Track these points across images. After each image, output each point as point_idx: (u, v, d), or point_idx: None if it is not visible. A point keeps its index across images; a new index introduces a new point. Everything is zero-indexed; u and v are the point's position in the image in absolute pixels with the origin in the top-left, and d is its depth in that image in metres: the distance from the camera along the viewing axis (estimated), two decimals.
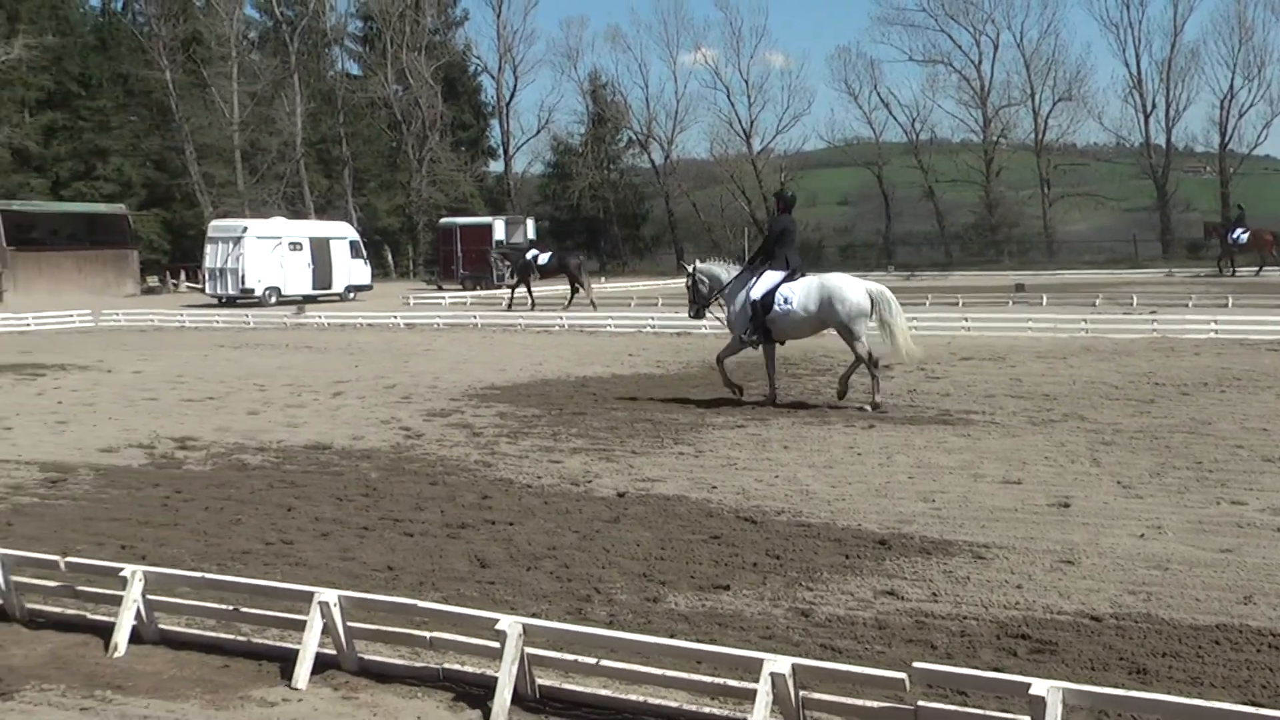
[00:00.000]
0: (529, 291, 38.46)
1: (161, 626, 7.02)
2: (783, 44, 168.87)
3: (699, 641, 6.24)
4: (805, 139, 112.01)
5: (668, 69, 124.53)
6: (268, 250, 46.38)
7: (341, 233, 50.95)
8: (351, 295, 48.50)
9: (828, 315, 15.39)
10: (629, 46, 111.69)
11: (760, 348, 16.04)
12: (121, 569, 7.05)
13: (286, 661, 6.46)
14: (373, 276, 52.52)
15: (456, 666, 6.23)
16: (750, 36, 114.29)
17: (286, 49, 68.69)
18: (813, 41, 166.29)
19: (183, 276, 59.40)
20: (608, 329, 29.83)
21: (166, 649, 6.90)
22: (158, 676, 6.49)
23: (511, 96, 79.20)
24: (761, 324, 15.69)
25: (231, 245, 45.87)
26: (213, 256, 46.45)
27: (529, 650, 5.83)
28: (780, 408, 15.42)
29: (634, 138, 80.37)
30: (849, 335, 15.34)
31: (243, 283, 45.28)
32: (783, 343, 16.28)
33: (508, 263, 44.89)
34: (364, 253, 51.46)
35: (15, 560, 7.50)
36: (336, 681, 6.27)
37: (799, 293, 15.44)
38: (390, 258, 71.32)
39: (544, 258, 40.00)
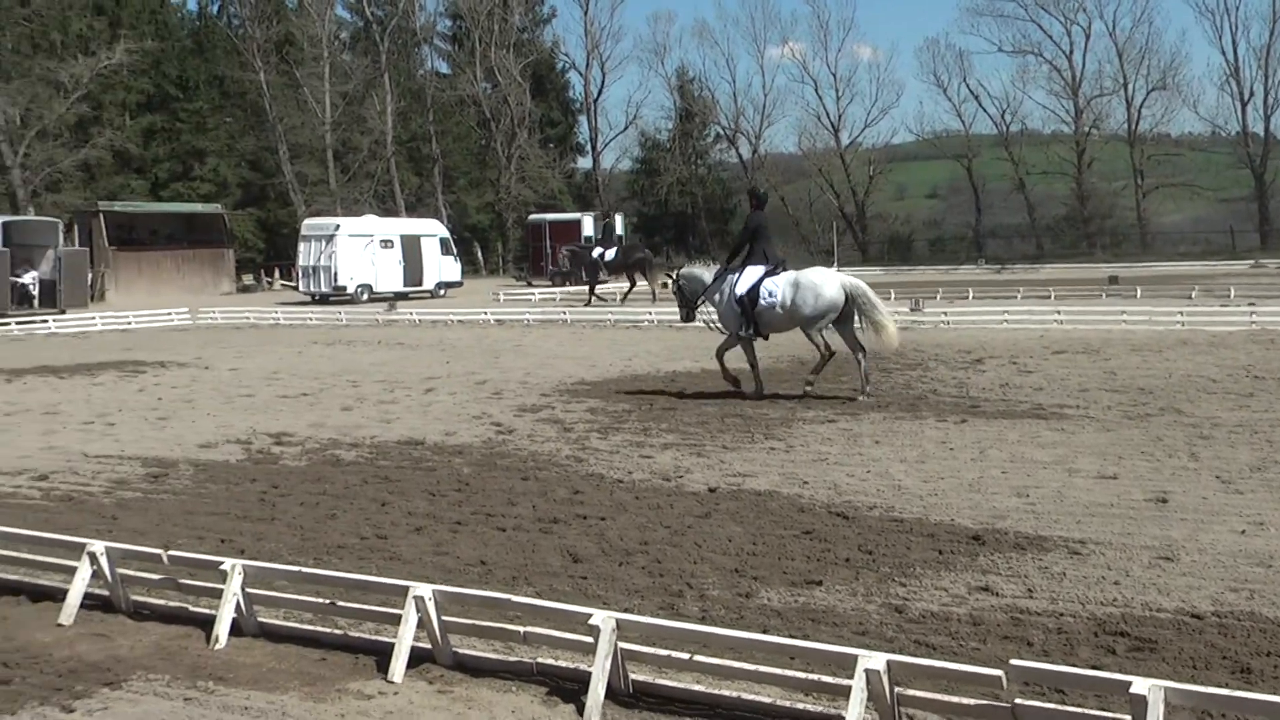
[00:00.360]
0: (591, 288, 38.78)
1: (260, 619, 7.13)
2: (871, 37, 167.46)
3: (792, 637, 6.21)
4: (894, 132, 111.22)
5: (755, 63, 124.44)
6: (360, 248, 46.89)
7: (432, 230, 51.38)
8: (442, 292, 48.90)
9: (797, 310, 15.73)
10: (716, 41, 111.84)
11: (745, 342, 16.34)
12: (222, 563, 7.17)
13: (382, 655, 6.53)
14: (463, 273, 52.91)
15: (550, 661, 6.26)
16: (838, 30, 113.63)
17: (377, 49, 69.39)
18: (901, 34, 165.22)
19: (277, 274, 60.24)
20: (696, 324, 29.75)
21: (266, 641, 7.01)
22: (258, 668, 6.60)
23: (599, 93, 79.54)
24: (751, 318, 16.03)
25: (324, 243, 46.44)
26: (306, 254, 47.04)
27: (622, 645, 5.84)
28: (856, 405, 15.32)
29: (722, 133, 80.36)
30: (809, 329, 15.83)
31: (335, 280, 45.82)
32: (766, 337, 16.54)
33: (575, 260, 45.12)
34: (454, 249, 51.85)
35: (121, 553, 7.65)
36: (431, 675, 6.33)
37: (780, 287, 15.80)
38: (480, 254, 71.81)
39: (610, 254, 40.27)
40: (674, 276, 17.78)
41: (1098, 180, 73.14)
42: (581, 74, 79.69)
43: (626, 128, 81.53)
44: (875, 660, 5.21)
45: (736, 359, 16.68)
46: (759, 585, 7.58)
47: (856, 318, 15.73)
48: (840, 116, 76.97)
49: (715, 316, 16.81)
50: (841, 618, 6.90)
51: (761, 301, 15.87)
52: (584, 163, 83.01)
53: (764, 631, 6.47)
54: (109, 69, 55.54)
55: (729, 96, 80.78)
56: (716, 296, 16.49)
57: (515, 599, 6.41)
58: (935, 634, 6.57)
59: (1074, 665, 5.83)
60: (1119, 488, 9.88)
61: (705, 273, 17.00)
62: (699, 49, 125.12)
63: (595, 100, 79.47)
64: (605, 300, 38.34)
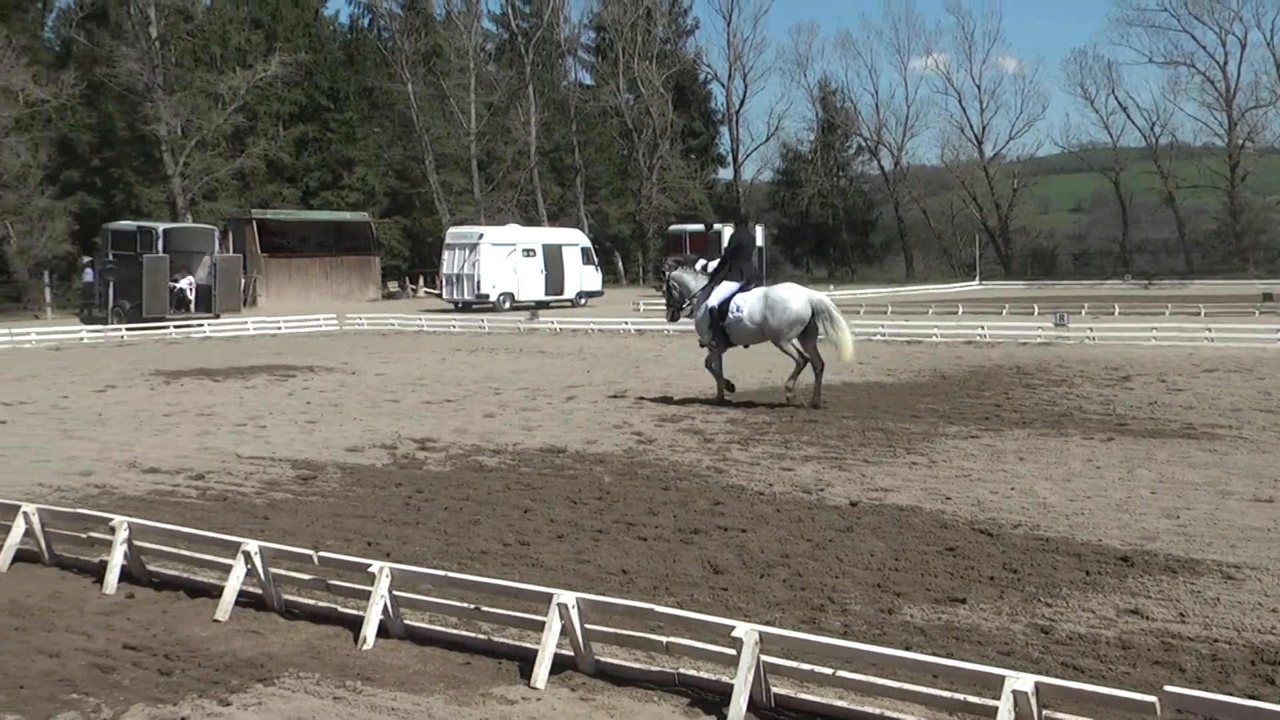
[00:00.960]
0: None
1: (407, 622, 7.26)
2: (1016, 48, 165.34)
3: (935, 655, 6.15)
4: (1039, 144, 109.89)
5: (898, 75, 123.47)
6: (502, 257, 47.46)
7: (573, 239, 51.80)
8: (583, 301, 49.27)
9: (766, 323, 16.68)
10: (859, 53, 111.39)
11: (715, 352, 17.42)
12: (370, 565, 7.32)
13: (525, 661, 6.61)
14: (603, 282, 53.23)
15: (692, 672, 6.28)
16: (983, 41, 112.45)
17: (522, 60, 70.21)
18: (1048, 45, 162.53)
19: (421, 282, 61.21)
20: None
21: (411, 644, 7.13)
22: (404, 670, 6.72)
23: (741, 104, 79.57)
24: (720, 329, 17.12)
25: (468, 252, 47.09)
26: (450, 263, 47.74)
27: (764, 658, 5.84)
28: (1000, 421, 15.10)
29: (864, 144, 79.86)
30: (779, 341, 16.72)
31: (478, 288, 46.41)
32: (746, 346, 17.71)
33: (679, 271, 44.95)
34: (595, 259, 52.20)
35: (273, 553, 7.85)
36: (574, 682, 6.38)
37: (749, 302, 16.82)
38: (620, 264, 72.23)
39: (713, 266, 40.15)
40: (665, 277, 18.88)
41: (1251, 194, 71.08)
42: (724, 85, 79.87)
43: (768, 139, 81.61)
44: (1023, 682, 5.14)
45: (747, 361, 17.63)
46: (901, 601, 7.52)
47: (822, 331, 16.63)
48: (984, 128, 76.03)
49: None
50: (986, 637, 6.81)
51: (730, 315, 16.97)
52: (725, 174, 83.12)
53: (907, 648, 6.42)
54: (264, 81, 57.02)
55: (871, 108, 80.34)
56: (698, 305, 17.63)
57: (658, 609, 6.44)
58: (1083, 656, 6.45)
59: (1230, 694, 5.69)
60: (1275, 512, 9.60)
61: (693, 280, 18.14)
62: (841, 60, 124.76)
63: (737, 111, 79.57)
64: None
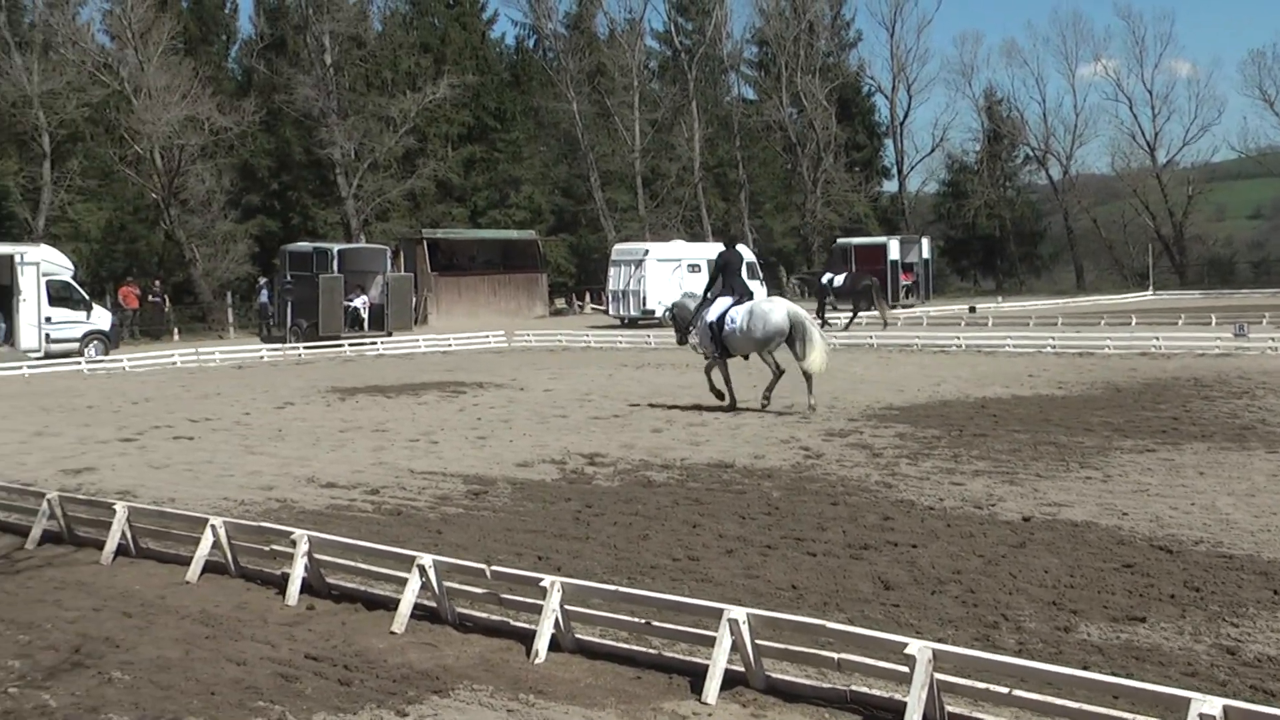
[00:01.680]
0: (820, 314, 39.17)
1: (578, 636, 7.33)
2: (1190, 51, 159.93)
3: (1115, 675, 6.00)
4: (1214, 150, 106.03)
5: (1066, 82, 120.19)
6: (668, 272, 47.65)
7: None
8: None
9: (750, 333, 18.18)
10: (1025, 61, 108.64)
11: (719, 362, 18.89)
12: (541, 579, 7.41)
13: (696, 676, 6.62)
14: (769, 296, 53.12)
15: (864, 689, 6.23)
16: (1154, 45, 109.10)
17: (685, 77, 70.47)
18: (1223, 47, 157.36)
19: (587, 298, 61.79)
20: (1006, 349, 29.11)
21: (583, 658, 7.20)
22: (575, 684, 6.79)
23: (905, 116, 78.68)
24: (720, 342, 18.59)
25: (633, 268, 47.40)
26: (616, 279, 48.09)
27: (938, 676, 5.77)
28: (1178, 434, 14.65)
29: (1031, 154, 78.31)
30: (762, 350, 18.33)
31: (644, 304, 46.66)
32: (746, 357, 19.10)
33: (806, 286, 44.62)
34: (760, 274, 52.07)
35: (446, 567, 8.00)
36: (745, 698, 6.38)
37: (740, 315, 18.31)
38: (785, 278, 72.00)
39: (839, 280, 40.07)
40: (669, 307, 21.16)
41: None
42: (887, 97, 79.02)
43: (933, 150, 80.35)
44: (1211, 705, 4.98)
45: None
46: (1078, 619, 7.36)
47: (796, 343, 17.97)
48: (1156, 135, 73.87)
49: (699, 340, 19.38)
50: (1168, 657, 6.63)
51: (726, 327, 18.46)
52: (889, 186, 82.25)
53: (1084, 668, 6.27)
54: (433, 103, 58.19)
55: (1038, 116, 78.59)
56: (698, 323, 19.18)
57: (829, 625, 6.40)
58: (1273, 679, 6.23)
59: None
60: None
61: (691, 303, 20.08)
62: (1007, 69, 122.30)
63: (901, 123, 78.69)
64: (830, 326, 37.88)
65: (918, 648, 5.76)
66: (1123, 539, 9.35)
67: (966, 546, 9.25)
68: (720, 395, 18.96)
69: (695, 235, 63.62)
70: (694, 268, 48.62)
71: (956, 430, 15.64)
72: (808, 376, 18.07)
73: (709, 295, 19.18)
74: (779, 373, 18.34)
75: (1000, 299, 56.32)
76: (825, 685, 6.36)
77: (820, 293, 40.31)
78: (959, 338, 31.40)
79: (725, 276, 19.21)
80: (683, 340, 20.40)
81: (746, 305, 18.52)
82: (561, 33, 72.14)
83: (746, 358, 19.15)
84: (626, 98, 68.68)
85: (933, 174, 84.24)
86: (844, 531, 9.92)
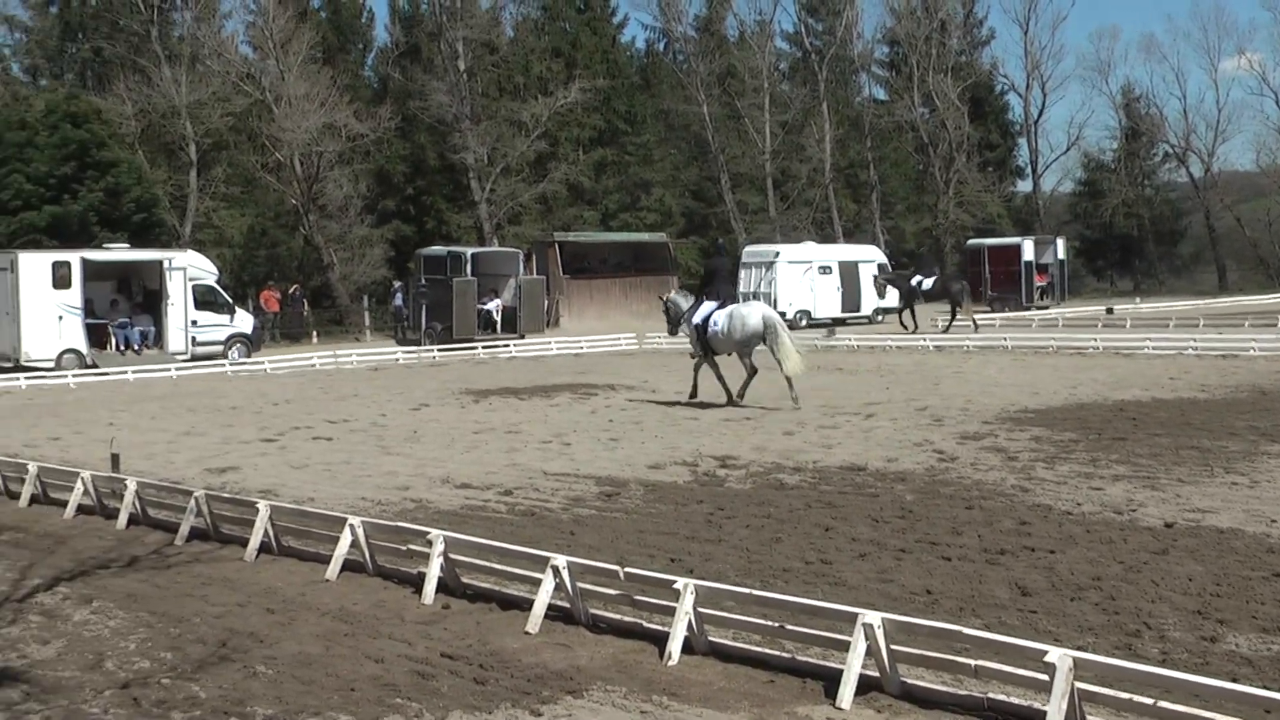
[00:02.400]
0: (913, 316, 38.80)
1: (711, 639, 7.33)
2: None
3: (1266, 688, 5.83)
4: None
5: (1207, 77, 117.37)
6: (798, 274, 47.46)
7: (869, 256, 51.38)
8: (879, 318, 48.80)
9: (730, 335, 19.84)
10: (1165, 56, 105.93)
11: (707, 360, 20.60)
12: (675, 581, 7.43)
13: (829, 680, 6.59)
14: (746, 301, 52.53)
15: (1002, 697, 6.14)
16: None
17: (815, 78, 70.10)
18: None
19: None
20: (1145, 351, 28.45)
21: (715, 660, 7.21)
22: (708, 687, 6.79)
23: (1040, 114, 77.25)
24: (705, 342, 20.31)
25: (764, 270, 47.29)
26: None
27: (1079, 685, 5.66)
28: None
29: (1170, 151, 76.38)
30: (742, 351, 20.00)
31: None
32: (730, 354, 20.52)
33: (892, 288, 44.01)
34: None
35: (580, 568, 8.06)
36: (879, 704, 6.33)
37: (722, 317, 19.94)
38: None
39: (928, 283, 39.66)
40: (664, 299, 22.65)
41: None
42: (1021, 95, 77.70)
43: (1068, 149, 78.71)
44: None
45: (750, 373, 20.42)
46: (1225, 629, 7.17)
47: (768, 345, 19.57)
48: None
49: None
50: None
51: (710, 329, 20.12)
52: (1023, 185, 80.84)
53: (1233, 680, 6.11)
54: (565, 107, 58.59)
55: (1178, 113, 76.54)
56: (687, 323, 20.97)
57: (966, 630, 6.33)
58: None
59: None
60: None
61: (683, 301, 21.62)
62: (1145, 64, 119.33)
63: (1035, 121, 77.28)
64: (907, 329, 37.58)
65: (1058, 655, 5.67)
66: (1271, 547, 9.10)
67: (1106, 553, 9.08)
68: (694, 393, 20.68)
69: (826, 237, 63.23)
70: (825, 269, 48.38)
71: (1094, 434, 15.34)
72: (789, 380, 19.48)
73: (701, 298, 20.88)
74: (753, 372, 19.97)
75: (1138, 300, 55.07)
76: (962, 692, 6.28)
77: (909, 295, 40.08)
78: (1095, 339, 30.77)
79: (714, 283, 21.08)
80: (673, 332, 22.39)
81: (728, 309, 20.12)
82: (691, 35, 72.20)
83: (730, 354, 20.57)
84: (756, 99, 68.49)
85: (1068, 173, 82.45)
86: (979, 536, 9.79)
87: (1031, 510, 10.77)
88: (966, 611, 7.74)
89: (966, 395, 20.50)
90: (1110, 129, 78.88)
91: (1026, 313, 46.45)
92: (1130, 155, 75.59)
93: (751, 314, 19.94)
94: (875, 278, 46.74)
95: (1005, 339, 32.94)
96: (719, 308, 20.25)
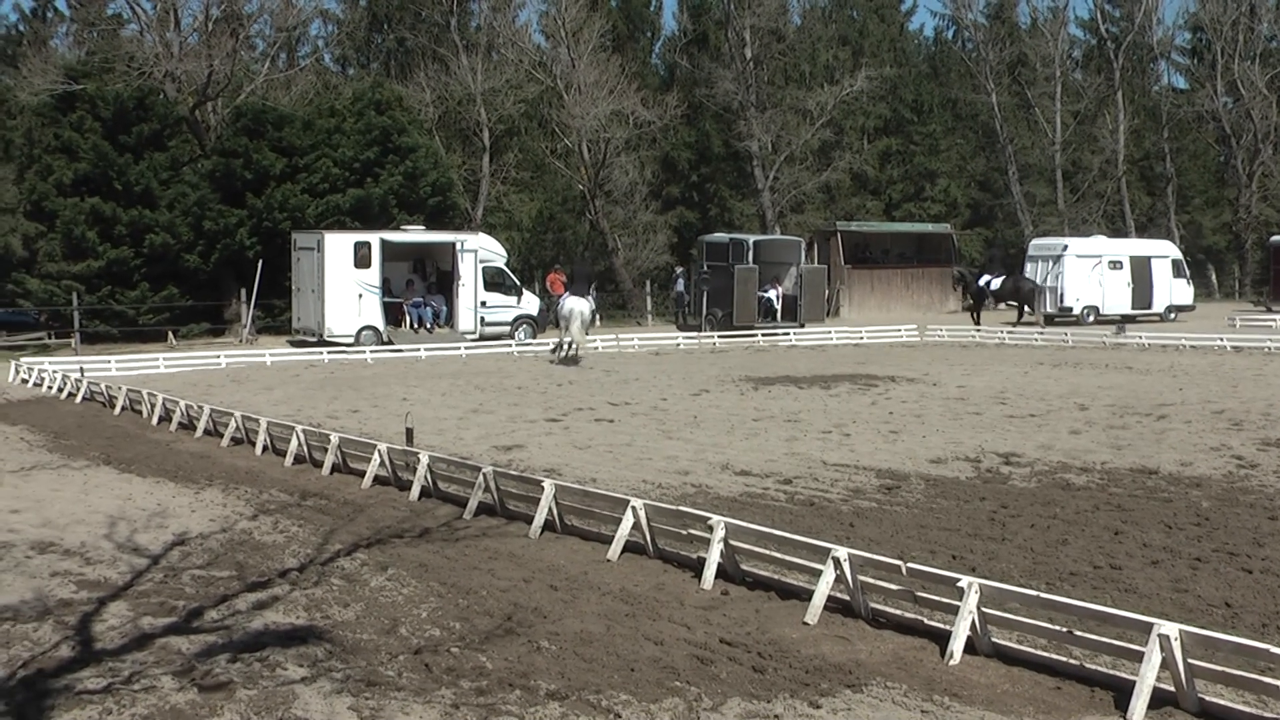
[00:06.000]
0: (975, 315, 39.64)
1: (994, 640, 7.19)
2: None
3: None
4: None
5: None
6: (1087, 269, 45.87)
7: (1163, 251, 49.26)
8: (1172, 315, 46.78)
9: (559, 316, 28.88)
10: None
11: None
12: (959, 579, 7.31)
13: (1119, 691, 6.39)
14: (1194, 297, 50.30)
15: None
16: None
17: (1110, 66, 67.55)
18: None
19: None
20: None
21: (999, 662, 7.06)
22: (991, 689, 6.66)
23: None
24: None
25: (1051, 264, 45.87)
26: (1032, 275, 46.73)
27: None
28: None
29: None
30: (562, 327, 28.68)
31: (1061, 301, 45.10)
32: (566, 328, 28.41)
33: (961, 286, 42.59)
34: (1186, 272, 49.42)
35: (860, 561, 8.01)
36: None
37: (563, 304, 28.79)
38: (1214, 277, 67.95)
39: (996, 283, 40.42)
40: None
41: None
42: None
43: None
44: None
45: None
46: None
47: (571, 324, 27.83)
48: None
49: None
50: None
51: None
52: None
53: None
54: (850, 96, 58.12)
55: None
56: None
57: (1274, 650, 6.02)
58: None
59: None
60: None
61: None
62: None
63: None
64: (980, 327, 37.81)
65: None
66: None
67: None
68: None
69: (1117, 231, 60.98)
70: (1115, 264, 46.65)
71: None
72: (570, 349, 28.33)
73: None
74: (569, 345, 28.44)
75: None
76: (1268, 715, 5.98)
77: (978, 294, 40.75)
78: None
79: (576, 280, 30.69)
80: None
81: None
82: (982, 23, 70.48)
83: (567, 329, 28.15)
84: (1048, 88, 66.44)
85: None
86: None
87: None
88: (1271, 628, 7.38)
89: (1268, 399, 19.47)
90: None
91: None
92: None
93: (566, 302, 28.65)
94: (952, 276, 45.97)
95: None
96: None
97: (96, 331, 35.97)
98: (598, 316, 31.67)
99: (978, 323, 39.65)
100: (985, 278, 41.75)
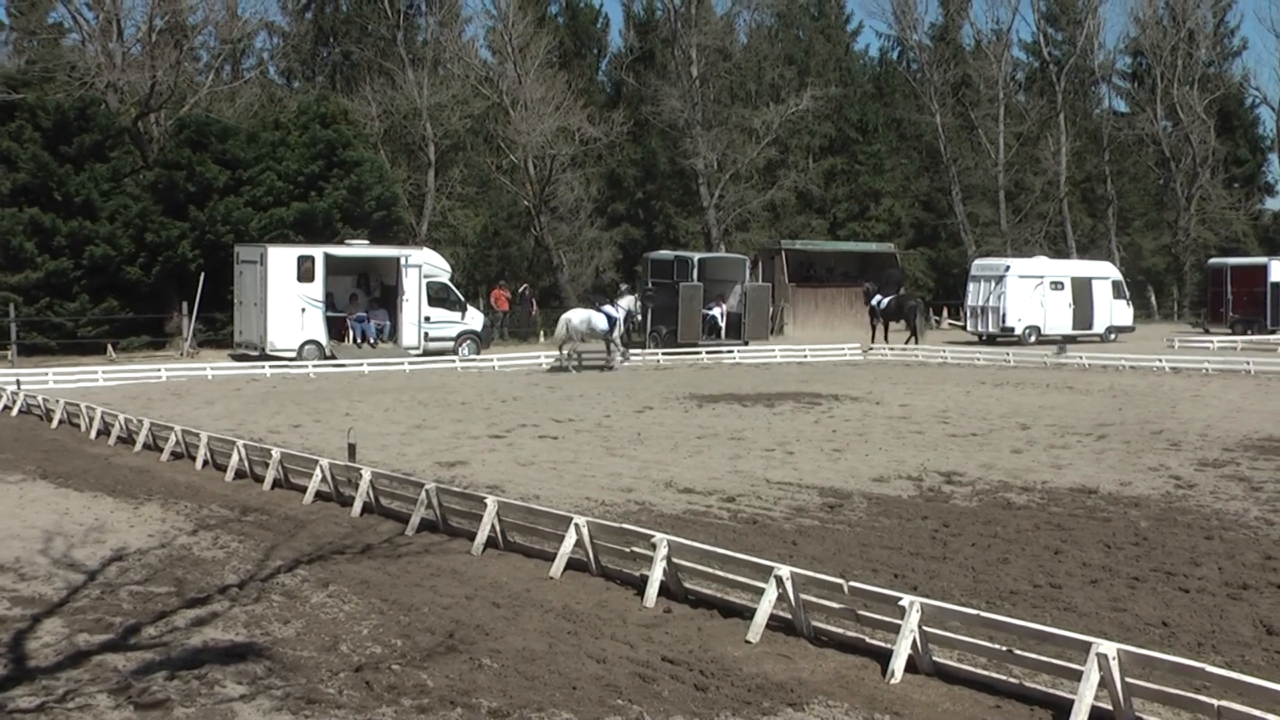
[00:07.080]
0: (873, 336, 41.06)
1: (935, 659, 7.22)
2: None
3: None
4: None
5: None
6: (1029, 289, 46.29)
7: (1104, 272, 49.80)
8: (1112, 336, 47.31)
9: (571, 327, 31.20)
10: None
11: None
12: (900, 598, 7.34)
13: (1058, 710, 6.44)
14: (1134, 318, 50.91)
15: None
16: None
17: (1053, 88, 68.35)
18: None
19: (945, 313, 60.74)
20: None
21: (940, 681, 7.10)
22: (932, 708, 6.69)
23: None
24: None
25: (994, 284, 46.25)
26: (975, 294, 47.05)
27: None
28: None
29: None
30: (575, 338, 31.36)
31: (1003, 321, 45.48)
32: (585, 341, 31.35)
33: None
34: (1126, 293, 50.00)
35: (803, 579, 8.03)
36: None
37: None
38: (1154, 299, 68.78)
39: (884, 302, 41.79)
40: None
41: None
42: (1274, 108, 74.32)
43: None
44: None
45: None
46: None
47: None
48: None
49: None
50: None
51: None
52: (1272, 203, 77.30)
53: None
54: (796, 115, 58.45)
55: None
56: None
57: (1209, 669, 6.09)
58: None
59: None
60: None
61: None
62: None
63: None
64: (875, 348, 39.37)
65: None
66: None
67: None
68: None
69: (1059, 252, 61.63)
70: (1056, 285, 47.11)
71: None
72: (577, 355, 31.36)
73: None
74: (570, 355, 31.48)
75: None
76: None
77: (871, 314, 42.22)
78: None
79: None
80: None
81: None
82: (926, 44, 71.06)
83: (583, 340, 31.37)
84: (991, 110, 67.10)
85: None
86: (1220, 569, 9.42)
87: (1278, 545, 10.30)
88: (1206, 648, 7.46)
89: (1206, 420, 19.72)
90: None
91: (1271, 336, 44.39)
92: None
93: (573, 316, 31.97)
94: (864, 291, 46.82)
95: (1248, 363, 31.56)
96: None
97: (34, 343, 35.49)
98: (610, 328, 32.00)
99: (873, 341, 40.73)
100: (875, 298, 42.58)
